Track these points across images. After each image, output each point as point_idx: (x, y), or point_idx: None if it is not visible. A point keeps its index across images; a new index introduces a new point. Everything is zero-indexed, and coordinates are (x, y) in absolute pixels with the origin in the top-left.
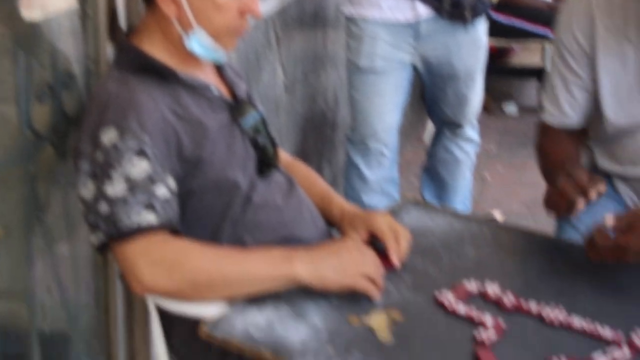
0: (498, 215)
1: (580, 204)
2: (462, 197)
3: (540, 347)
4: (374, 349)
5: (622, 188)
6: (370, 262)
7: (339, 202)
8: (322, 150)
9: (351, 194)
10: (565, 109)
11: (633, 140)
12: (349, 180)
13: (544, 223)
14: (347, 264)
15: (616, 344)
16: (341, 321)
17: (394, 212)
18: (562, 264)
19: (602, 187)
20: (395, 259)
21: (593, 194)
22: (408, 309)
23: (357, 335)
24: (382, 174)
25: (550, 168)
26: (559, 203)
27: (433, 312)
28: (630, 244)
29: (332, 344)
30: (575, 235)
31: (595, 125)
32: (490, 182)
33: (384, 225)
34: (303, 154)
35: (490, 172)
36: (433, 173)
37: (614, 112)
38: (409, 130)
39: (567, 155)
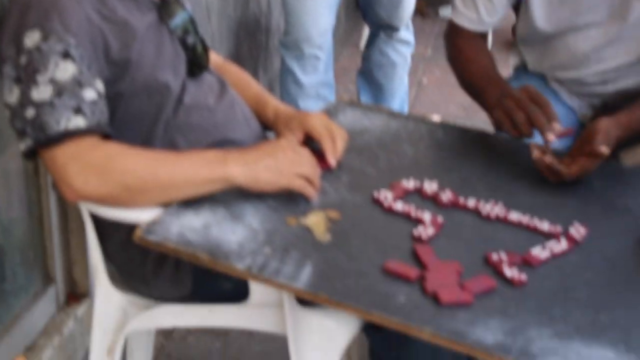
0: (436, 118)
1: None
2: (399, 100)
3: (479, 242)
4: (311, 248)
5: (556, 87)
6: (306, 162)
7: (274, 103)
8: (257, 56)
9: (287, 100)
10: (483, 14)
11: (563, 44)
12: (284, 85)
13: (482, 125)
14: (282, 164)
15: (554, 237)
16: (279, 222)
17: (330, 112)
18: (501, 159)
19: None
20: (331, 159)
21: (550, 136)
22: (346, 209)
23: (294, 235)
24: (317, 79)
25: (474, 81)
26: (507, 124)
27: (371, 210)
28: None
29: (270, 245)
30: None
31: (524, 29)
32: (427, 86)
33: (320, 125)
34: (238, 61)
35: (427, 75)
36: (369, 76)
37: (543, 17)
38: (345, 37)
39: (488, 66)
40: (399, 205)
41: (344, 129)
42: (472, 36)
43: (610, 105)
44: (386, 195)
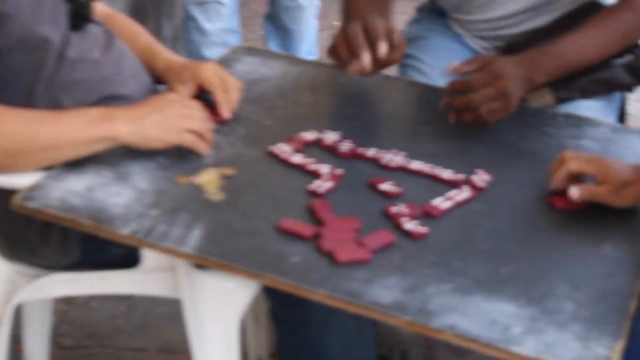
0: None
1: (365, 57)
2: (309, 45)
3: (378, 194)
4: (202, 208)
5: (459, 29)
6: (196, 116)
7: (165, 54)
8: (160, 5)
9: (191, 49)
10: None
11: None
12: (187, 34)
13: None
14: (170, 119)
15: (457, 185)
16: (168, 182)
17: (227, 61)
18: (406, 105)
19: (398, 46)
20: (224, 110)
21: (382, 48)
22: (240, 164)
23: (184, 195)
24: (221, 25)
25: (351, 9)
26: (341, 50)
27: (267, 165)
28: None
29: (158, 207)
30: (419, 77)
31: None
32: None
33: (212, 75)
34: (139, 10)
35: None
36: (276, 21)
37: None
38: None
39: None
40: (296, 159)
41: (240, 78)
42: None
43: (514, 46)
44: (283, 149)
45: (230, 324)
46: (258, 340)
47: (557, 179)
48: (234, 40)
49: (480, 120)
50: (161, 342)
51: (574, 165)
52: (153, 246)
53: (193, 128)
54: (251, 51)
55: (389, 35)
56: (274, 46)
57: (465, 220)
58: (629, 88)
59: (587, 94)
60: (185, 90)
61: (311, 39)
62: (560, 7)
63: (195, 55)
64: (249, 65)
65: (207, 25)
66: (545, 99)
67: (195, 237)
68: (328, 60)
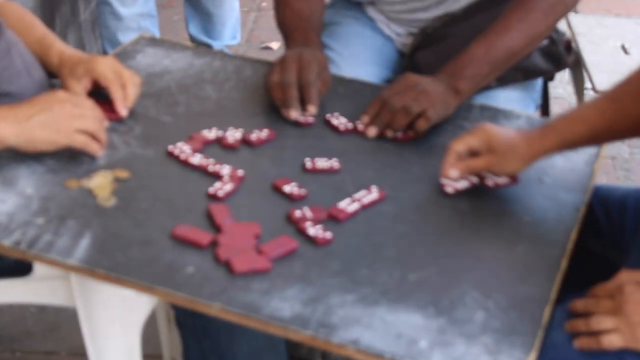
0: (275, 45)
1: (294, 114)
2: (232, 29)
3: (283, 197)
4: (92, 215)
5: (373, 14)
6: (88, 115)
7: (59, 46)
8: None
9: (106, 34)
10: None
11: None
12: (102, 19)
13: None
14: (59, 119)
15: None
16: (57, 186)
17: (128, 52)
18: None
19: (313, 109)
20: (120, 108)
21: (312, 111)
22: (136, 166)
23: (74, 201)
24: (137, 10)
25: (284, 25)
26: (275, 93)
27: (165, 166)
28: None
29: (44, 214)
30: (333, 70)
31: None
32: (267, 9)
33: (108, 70)
34: None
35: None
36: (196, 5)
37: None
38: None
39: (302, 11)
40: (195, 159)
41: (140, 71)
42: None
43: (429, 32)
44: (182, 148)
45: (130, 334)
46: (172, 342)
47: (447, 165)
48: (151, 25)
49: (405, 118)
50: (72, 345)
51: (457, 145)
52: (37, 258)
53: (84, 128)
54: (154, 42)
55: (322, 77)
56: (195, 31)
57: (372, 223)
58: (548, 74)
59: (503, 81)
60: (79, 86)
61: (234, 23)
62: None
63: (111, 41)
64: (151, 57)
65: (122, 9)
66: None
67: (83, 248)
68: (246, 46)
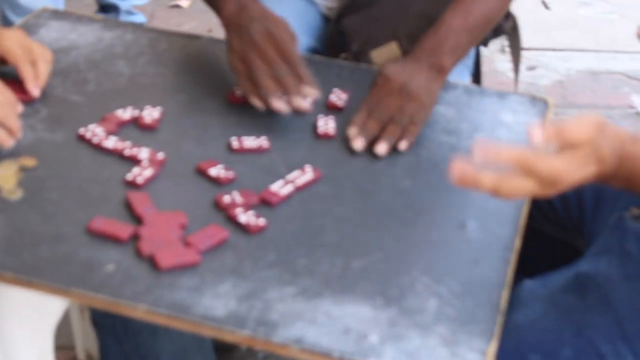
0: (184, 3)
1: (282, 107)
2: None
3: (209, 181)
4: None
5: None
6: None
7: None
8: None
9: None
10: None
11: None
12: None
13: None
14: None
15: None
16: None
17: (29, 26)
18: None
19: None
20: (32, 87)
21: (297, 102)
22: (44, 152)
23: None
24: None
25: None
26: (245, 85)
27: (76, 152)
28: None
29: None
30: None
31: None
32: None
33: (15, 44)
34: None
35: None
36: None
37: None
38: None
39: None
40: (110, 143)
41: (47, 47)
42: None
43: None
44: (95, 131)
45: (43, 337)
46: (85, 335)
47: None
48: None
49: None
50: None
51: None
52: None
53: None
54: (58, 15)
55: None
56: None
57: (308, 207)
58: (483, 41)
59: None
60: None
61: None
62: None
63: (12, 5)
64: (56, 31)
65: None
66: (391, 52)
67: None
68: (153, 5)
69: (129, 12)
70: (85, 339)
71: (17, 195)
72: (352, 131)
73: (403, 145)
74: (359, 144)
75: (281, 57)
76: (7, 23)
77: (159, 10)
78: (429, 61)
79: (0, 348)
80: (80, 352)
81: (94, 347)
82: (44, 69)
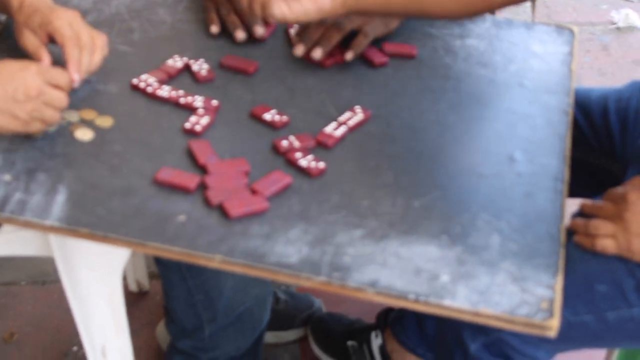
0: None
1: (240, 35)
2: None
3: (264, 125)
4: (63, 165)
5: None
6: (55, 102)
7: None
8: None
9: None
10: None
11: None
12: None
13: None
14: (20, 105)
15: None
16: (17, 136)
17: None
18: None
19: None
20: (73, 72)
21: (259, 31)
22: (101, 104)
23: (40, 151)
24: None
25: None
26: (211, 16)
27: (133, 102)
28: None
29: (10, 170)
30: None
31: None
32: None
33: (65, 26)
34: None
35: None
36: None
37: None
38: None
39: None
40: (164, 92)
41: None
42: None
43: None
44: (148, 80)
45: (111, 279)
46: (135, 264)
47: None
48: None
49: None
50: (31, 274)
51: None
52: (10, 221)
53: (45, 119)
54: None
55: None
56: None
57: (362, 147)
58: None
59: None
60: (34, 40)
61: None
62: None
63: None
64: None
65: None
66: None
67: (59, 204)
68: None
69: None
70: (135, 270)
71: (89, 136)
72: (294, 39)
73: (349, 55)
74: (299, 50)
75: None
76: None
77: None
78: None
79: (72, 292)
80: (131, 283)
81: (144, 278)
82: (87, 58)
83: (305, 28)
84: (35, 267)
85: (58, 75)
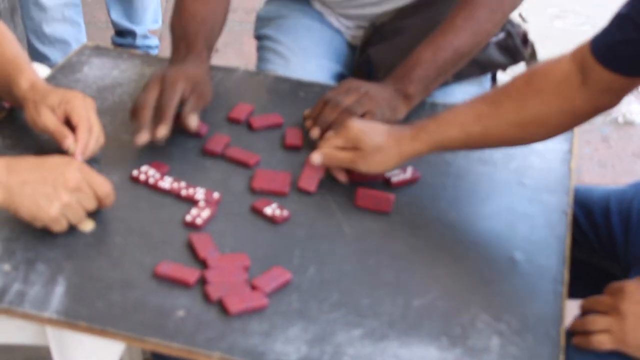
0: None
1: (139, 138)
2: (153, 13)
3: (265, 219)
4: (63, 257)
5: (320, 8)
6: (85, 204)
7: (32, 72)
8: None
9: (31, 26)
10: None
11: None
12: (25, 10)
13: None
14: (53, 203)
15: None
16: (20, 225)
17: (72, 64)
18: (266, 99)
19: (193, 120)
20: (78, 154)
21: (161, 131)
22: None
23: (40, 241)
24: None
25: (176, 29)
26: (139, 108)
27: (133, 193)
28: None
29: (10, 260)
30: (282, 64)
31: None
32: None
33: (83, 109)
34: None
35: None
36: None
37: None
38: None
39: (207, 13)
40: (166, 183)
41: (90, 85)
42: None
43: (378, 25)
44: (148, 172)
45: None
46: (131, 352)
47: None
48: (76, 15)
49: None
50: (29, 356)
51: (324, 145)
52: (8, 312)
53: (72, 218)
54: (99, 51)
55: (197, 91)
56: (116, 17)
57: (363, 244)
58: (503, 68)
59: (460, 76)
60: (54, 118)
61: (155, 7)
62: None
63: (36, 33)
64: (99, 69)
65: (46, 0)
66: None
67: (58, 296)
68: (164, 28)
69: (145, 37)
70: (131, 356)
71: (90, 226)
72: (308, 122)
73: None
74: (315, 133)
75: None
76: (33, 51)
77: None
78: (395, 86)
79: None
80: None
81: None
82: (93, 146)
83: (319, 112)
84: (32, 350)
85: (97, 179)
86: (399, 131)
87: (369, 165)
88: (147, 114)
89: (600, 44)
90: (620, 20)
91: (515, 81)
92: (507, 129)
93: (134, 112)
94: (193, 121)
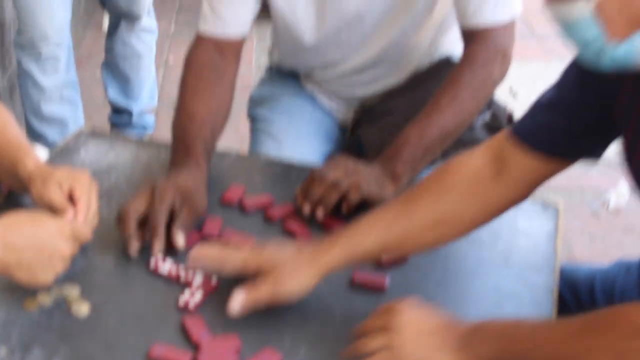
0: None
1: (134, 246)
2: (149, 91)
3: None
4: (58, 339)
5: (312, 88)
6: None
7: (35, 156)
8: None
9: (29, 104)
10: (227, 15)
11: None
12: (24, 89)
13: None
14: (48, 268)
15: None
16: (16, 309)
17: (69, 149)
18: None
19: (180, 239)
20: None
21: (156, 247)
22: (97, 278)
23: (36, 324)
24: (59, 79)
25: (177, 133)
26: (124, 219)
27: (130, 275)
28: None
29: (6, 343)
30: (274, 146)
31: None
32: (174, 65)
33: (86, 187)
34: None
35: (173, 53)
36: (114, 68)
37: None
38: (85, 18)
39: (206, 114)
40: (165, 267)
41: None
42: (211, 65)
43: (368, 106)
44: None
45: None
46: None
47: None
48: (74, 94)
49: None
50: None
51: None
52: None
53: (59, 271)
54: (95, 135)
55: (188, 204)
56: (113, 94)
57: (355, 324)
58: None
59: (448, 155)
60: (60, 195)
61: (151, 85)
62: (410, 65)
63: (35, 112)
64: (95, 153)
65: (45, 80)
66: None
67: None
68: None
69: (141, 115)
70: None
71: (85, 310)
72: (299, 199)
73: (344, 208)
74: (306, 209)
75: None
76: (31, 130)
77: (167, 111)
78: (383, 166)
79: None
80: None
81: None
82: (89, 225)
83: (307, 188)
84: None
85: (83, 232)
86: (312, 248)
87: (288, 289)
88: (132, 225)
89: (522, 126)
90: (544, 106)
91: (428, 178)
92: (422, 229)
93: (120, 222)
94: (180, 240)
